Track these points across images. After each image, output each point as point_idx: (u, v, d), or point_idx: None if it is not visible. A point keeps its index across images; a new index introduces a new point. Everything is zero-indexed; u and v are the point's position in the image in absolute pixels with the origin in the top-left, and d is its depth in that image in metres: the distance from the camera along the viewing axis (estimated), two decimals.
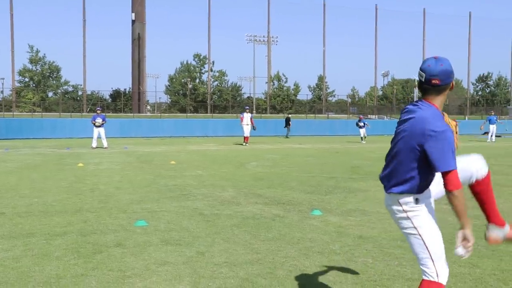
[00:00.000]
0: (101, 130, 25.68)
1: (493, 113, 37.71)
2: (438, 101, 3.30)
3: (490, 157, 19.92)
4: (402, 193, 3.32)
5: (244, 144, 29.31)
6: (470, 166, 3.45)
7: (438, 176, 3.29)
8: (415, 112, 3.28)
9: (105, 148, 25.29)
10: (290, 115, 46.42)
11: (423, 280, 3.41)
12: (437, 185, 3.38)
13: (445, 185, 3.11)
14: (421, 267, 3.45)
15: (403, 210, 3.36)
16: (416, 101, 3.34)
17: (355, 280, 4.81)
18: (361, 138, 35.00)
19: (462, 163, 3.37)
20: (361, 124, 35.38)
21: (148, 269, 5.17)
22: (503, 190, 10.69)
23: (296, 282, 4.79)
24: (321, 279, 4.87)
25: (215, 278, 4.87)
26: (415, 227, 3.35)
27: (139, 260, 5.49)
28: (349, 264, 5.33)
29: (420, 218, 3.34)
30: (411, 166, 3.26)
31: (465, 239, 3.24)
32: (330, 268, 5.18)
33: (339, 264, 5.35)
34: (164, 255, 5.67)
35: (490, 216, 3.61)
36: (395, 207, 3.39)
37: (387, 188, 3.41)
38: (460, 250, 3.24)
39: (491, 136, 35.62)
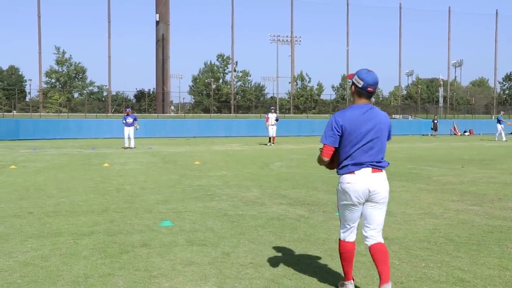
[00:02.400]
0: (131, 130, 25.82)
1: (502, 114, 39.19)
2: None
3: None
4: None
5: (270, 144, 29.26)
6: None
7: None
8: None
9: (132, 148, 25.49)
10: None
11: (383, 243, 4.36)
12: None
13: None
14: (380, 233, 4.39)
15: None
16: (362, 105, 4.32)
17: None
18: None
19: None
20: None
21: (174, 269, 5.20)
22: None
23: (322, 283, 4.77)
24: None
25: (241, 279, 4.88)
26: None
27: (165, 260, 5.53)
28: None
29: None
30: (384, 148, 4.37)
31: None
32: (356, 270, 5.14)
33: (365, 265, 5.31)
34: (189, 256, 5.70)
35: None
36: (386, 183, 4.32)
37: (381, 166, 4.26)
38: None
39: (500, 135, 36.46)
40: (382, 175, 4.25)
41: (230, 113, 68.28)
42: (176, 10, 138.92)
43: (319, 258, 5.61)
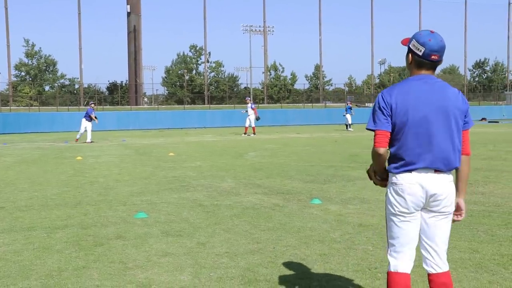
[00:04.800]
0: (89, 124, 24.95)
1: None
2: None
3: (488, 143, 19.95)
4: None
5: (249, 134, 29.01)
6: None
7: None
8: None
9: (88, 142, 24.53)
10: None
11: (448, 272, 3.31)
12: None
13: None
14: (443, 257, 3.30)
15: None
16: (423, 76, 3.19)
17: (356, 268, 4.83)
18: (347, 126, 34.28)
19: None
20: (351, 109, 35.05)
21: (149, 260, 5.18)
22: (502, 175, 10.73)
23: (297, 271, 4.81)
24: (322, 267, 4.89)
25: (216, 268, 4.89)
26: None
27: (140, 251, 5.51)
28: (350, 252, 5.34)
29: None
30: (459, 141, 3.20)
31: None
32: (331, 257, 5.20)
33: (340, 252, 5.36)
34: (165, 247, 5.69)
35: None
36: (452, 187, 3.22)
37: (449, 167, 3.15)
38: None
39: None
40: (447, 177, 3.17)
41: (204, 104, 68.06)
42: (147, 1, 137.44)
43: (294, 246, 5.65)
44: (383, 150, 3.20)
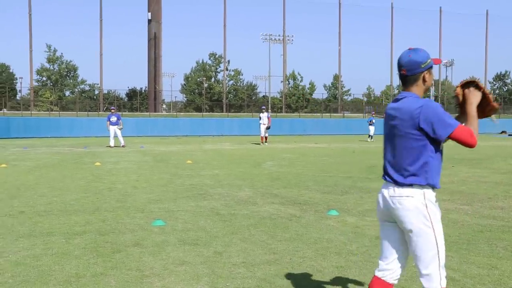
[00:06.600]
0: (116, 129, 25.89)
1: None
2: (416, 91, 3.27)
3: (508, 156, 19.72)
4: (415, 184, 3.19)
5: (262, 143, 29.10)
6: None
7: None
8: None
9: (123, 146, 25.60)
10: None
11: None
12: None
13: (462, 143, 3.14)
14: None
15: (423, 203, 3.19)
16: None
17: None
18: (369, 136, 34.84)
19: None
20: (373, 121, 35.32)
21: (166, 269, 5.21)
22: None
23: (314, 283, 4.79)
24: (339, 280, 4.87)
25: (233, 278, 4.90)
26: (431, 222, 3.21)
27: (157, 259, 5.53)
28: (367, 265, 5.31)
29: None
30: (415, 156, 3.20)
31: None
32: (348, 269, 5.17)
33: (357, 264, 5.34)
34: (182, 255, 5.71)
35: None
36: (409, 202, 3.16)
37: (404, 180, 3.17)
38: None
39: None
40: (404, 191, 3.19)
41: (222, 112, 68.24)
42: (168, 9, 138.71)
43: (311, 257, 5.63)
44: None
